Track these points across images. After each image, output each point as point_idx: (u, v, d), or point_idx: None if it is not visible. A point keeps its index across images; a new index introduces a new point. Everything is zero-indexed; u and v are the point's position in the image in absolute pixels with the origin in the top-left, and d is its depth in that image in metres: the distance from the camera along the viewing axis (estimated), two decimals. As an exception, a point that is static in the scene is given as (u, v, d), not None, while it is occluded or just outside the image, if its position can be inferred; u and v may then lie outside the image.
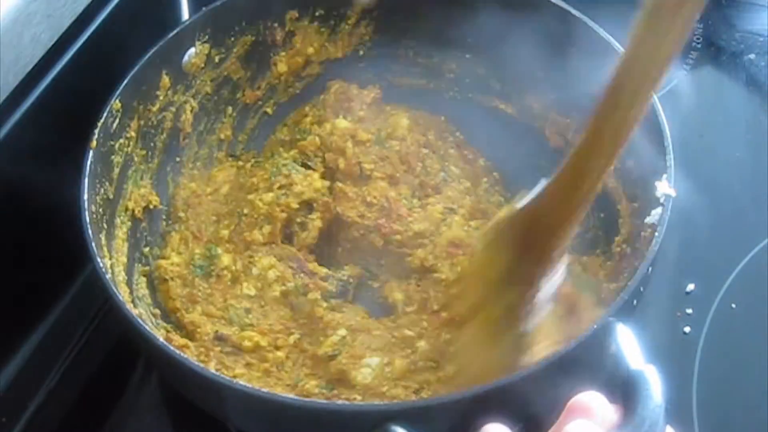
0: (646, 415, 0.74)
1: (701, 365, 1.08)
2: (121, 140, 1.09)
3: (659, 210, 0.95)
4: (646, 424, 0.74)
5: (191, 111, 1.20)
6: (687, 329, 1.11)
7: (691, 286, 1.14)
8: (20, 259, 1.08)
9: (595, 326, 0.85)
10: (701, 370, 1.07)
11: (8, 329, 1.10)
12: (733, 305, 1.12)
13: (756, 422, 1.03)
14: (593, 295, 1.01)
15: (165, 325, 1.08)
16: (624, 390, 0.77)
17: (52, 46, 1.09)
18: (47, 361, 1.12)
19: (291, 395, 0.93)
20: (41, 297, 1.15)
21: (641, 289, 0.91)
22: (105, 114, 1.05)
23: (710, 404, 1.05)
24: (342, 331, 1.06)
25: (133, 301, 1.03)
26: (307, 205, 1.16)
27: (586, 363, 0.86)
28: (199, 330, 1.07)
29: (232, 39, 1.21)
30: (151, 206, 1.16)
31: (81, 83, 1.10)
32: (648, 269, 0.91)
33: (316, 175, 1.18)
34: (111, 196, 1.07)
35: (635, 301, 0.90)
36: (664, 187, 0.96)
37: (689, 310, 1.12)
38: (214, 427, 1.03)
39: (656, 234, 0.93)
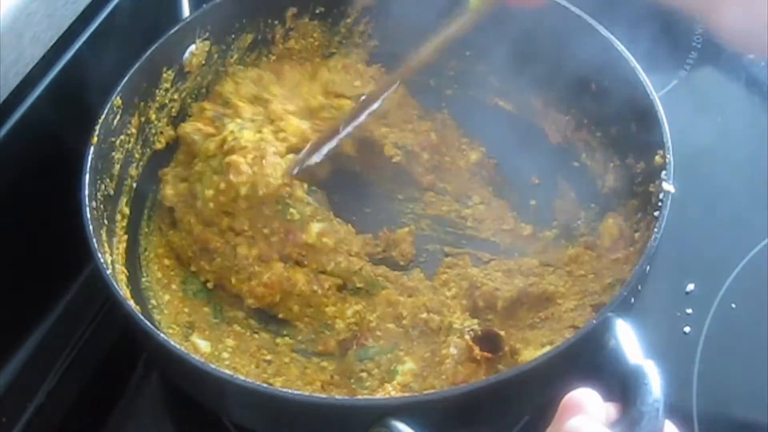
0: (644, 409, 0.75)
1: (701, 365, 1.08)
2: (122, 137, 1.09)
3: (658, 207, 0.95)
4: (645, 418, 0.74)
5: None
6: (687, 329, 1.11)
7: (691, 286, 1.14)
8: (20, 258, 1.08)
9: (595, 321, 0.85)
10: (701, 370, 1.07)
11: (8, 329, 1.10)
12: (733, 305, 1.12)
13: (756, 422, 1.03)
14: None
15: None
16: (623, 385, 0.77)
17: (53, 45, 1.09)
18: (47, 361, 1.12)
19: (291, 390, 0.93)
20: (41, 297, 1.15)
21: (639, 287, 0.91)
22: (106, 110, 1.05)
23: (710, 404, 1.05)
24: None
25: (133, 297, 1.02)
26: None
27: (586, 358, 0.86)
28: None
29: (233, 36, 1.21)
30: None
31: (81, 83, 1.10)
32: (646, 267, 0.91)
33: None
34: (112, 193, 1.07)
35: (633, 299, 0.90)
36: (663, 185, 0.97)
37: (689, 310, 1.12)
38: (214, 427, 1.04)
39: (655, 231, 0.93)
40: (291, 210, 1.09)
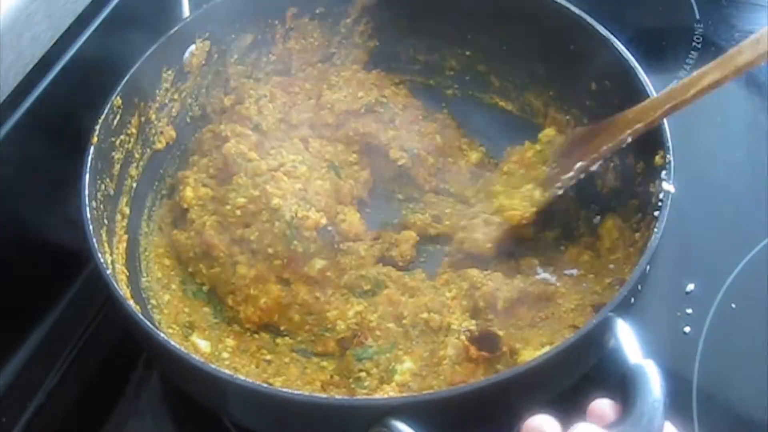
0: (645, 409, 0.75)
1: (701, 365, 1.07)
2: (122, 137, 1.10)
3: (658, 207, 0.95)
4: (645, 418, 0.74)
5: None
6: (687, 329, 1.10)
7: (691, 286, 1.14)
8: (21, 258, 1.08)
9: (595, 321, 0.85)
10: (701, 369, 1.07)
11: (8, 329, 1.10)
12: (733, 305, 1.12)
13: (756, 422, 1.03)
14: None
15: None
16: (623, 385, 0.78)
17: (52, 46, 1.09)
18: (47, 361, 1.12)
19: (291, 390, 0.93)
20: (41, 297, 1.15)
21: (639, 287, 0.91)
22: (106, 110, 1.05)
23: (710, 404, 1.04)
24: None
25: (133, 297, 1.02)
26: None
27: (586, 358, 0.86)
28: None
29: (233, 36, 1.22)
30: None
31: (81, 83, 1.10)
32: (646, 267, 0.91)
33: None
34: (112, 193, 1.07)
35: (633, 299, 0.90)
36: (663, 185, 0.97)
37: (689, 310, 1.12)
38: (214, 427, 1.03)
39: (655, 231, 0.93)
40: (294, 242, 1.09)
